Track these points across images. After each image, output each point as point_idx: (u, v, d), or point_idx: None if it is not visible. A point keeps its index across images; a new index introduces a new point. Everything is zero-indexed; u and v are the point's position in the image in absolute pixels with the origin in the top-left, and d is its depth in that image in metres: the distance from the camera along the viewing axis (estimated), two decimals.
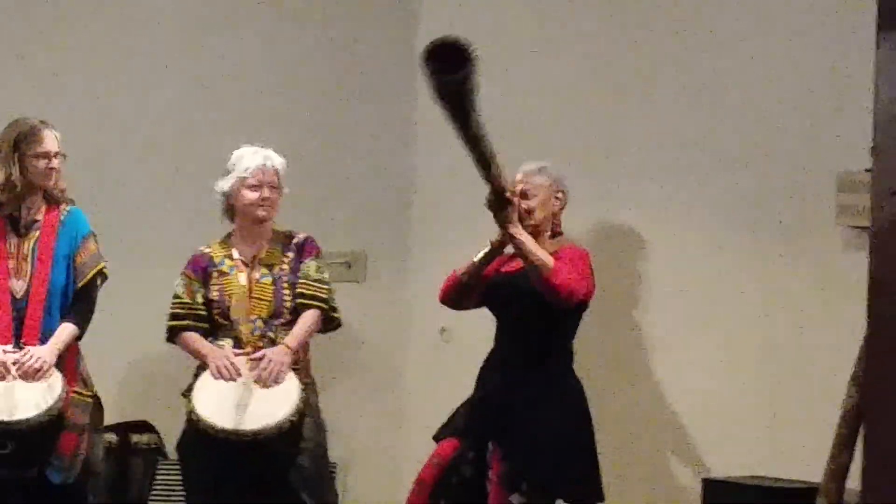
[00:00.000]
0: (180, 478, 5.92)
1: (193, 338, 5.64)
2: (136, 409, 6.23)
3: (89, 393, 5.57)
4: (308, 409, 5.53)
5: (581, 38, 6.59)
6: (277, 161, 5.68)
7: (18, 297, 5.48)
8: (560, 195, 5.28)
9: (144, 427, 6.22)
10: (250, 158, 5.66)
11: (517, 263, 5.18)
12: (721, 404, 6.07)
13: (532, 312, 5.03)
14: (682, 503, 6.08)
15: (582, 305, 5.11)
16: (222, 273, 5.68)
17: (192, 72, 6.82)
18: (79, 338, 5.53)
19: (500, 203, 4.87)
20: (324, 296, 5.66)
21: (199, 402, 5.45)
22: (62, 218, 5.58)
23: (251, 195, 5.63)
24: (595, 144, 6.50)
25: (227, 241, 5.75)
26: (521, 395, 5.05)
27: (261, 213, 5.64)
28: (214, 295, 5.66)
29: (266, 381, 5.45)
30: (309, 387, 5.60)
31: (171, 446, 6.07)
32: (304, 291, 5.63)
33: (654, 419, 6.27)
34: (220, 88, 6.82)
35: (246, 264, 5.68)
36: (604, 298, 5.92)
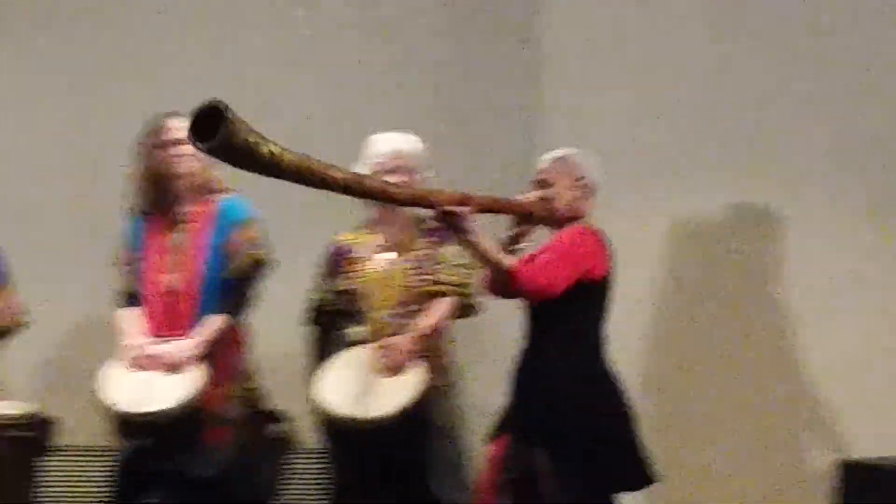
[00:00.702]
0: (312, 467, 5.98)
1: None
2: (267, 399, 6.27)
3: (245, 386, 5.60)
4: (440, 396, 5.52)
5: (715, 12, 6.55)
6: (408, 146, 5.66)
7: (172, 290, 5.52)
8: (582, 183, 5.02)
9: (276, 416, 6.25)
10: (381, 144, 5.66)
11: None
12: (856, 384, 5.99)
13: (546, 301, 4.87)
14: (817, 484, 6.01)
15: (589, 289, 4.89)
16: (358, 260, 5.70)
17: (316, 60, 6.86)
18: (234, 327, 5.54)
19: (442, 218, 4.71)
20: (461, 281, 5.62)
21: (320, 389, 5.49)
22: (216, 208, 5.60)
23: None
24: (735, 121, 6.46)
25: (364, 228, 5.75)
26: (544, 387, 4.92)
27: None
28: (348, 282, 5.68)
29: (389, 370, 5.45)
30: (443, 374, 5.59)
31: (302, 435, 6.12)
32: (441, 277, 5.61)
33: (790, 399, 6.18)
34: (346, 75, 6.84)
35: (383, 250, 5.69)
36: (742, 276, 5.86)
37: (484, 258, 4.75)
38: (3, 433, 5.30)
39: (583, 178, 5.00)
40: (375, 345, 5.52)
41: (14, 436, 5.32)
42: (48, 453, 5.51)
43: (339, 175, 4.35)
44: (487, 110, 6.84)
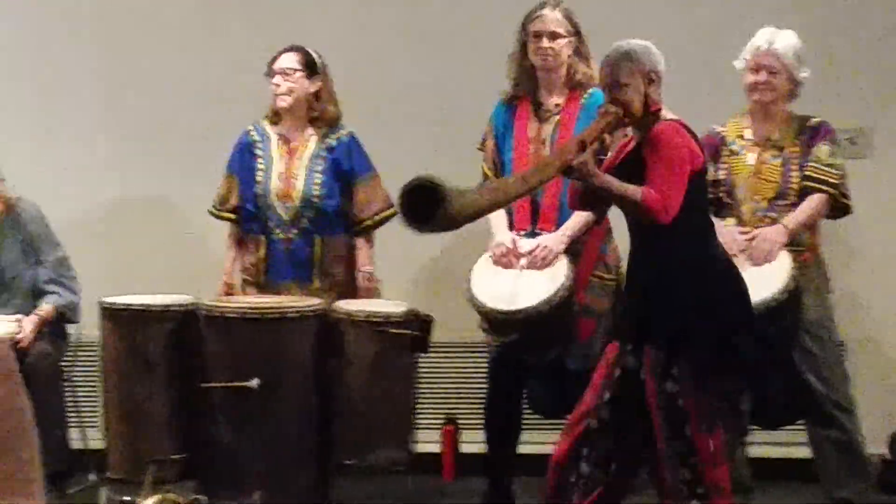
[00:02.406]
0: None
1: None
2: None
3: (612, 277, 5.58)
4: (811, 291, 5.49)
5: None
6: (781, 44, 5.56)
7: None
8: (652, 76, 4.68)
9: None
10: (756, 38, 5.61)
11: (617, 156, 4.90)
12: None
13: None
14: None
15: (692, 182, 4.64)
16: (732, 153, 5.66)
17: None
18: (597, 222, 5.47)
19: (568, 173, 4.60)
20: (833, 181, 5.56)
21: None
22: (582, 101, 5.56)
23: (749, 78, 5.60)
24: None
25: (740, 121, 5.71)
26: (648, 280, 4.76)
27: (755, 96, 5.60)
28: (721, 174, 5.65)
29: (757, 260, 5.41)
30: (812, 268, 5.57)
31: None
32: (813, 174, 5.55)
33: None
34: None
35: (757, 145, 5.63)
36: None
37: (617, 196, 4.64)
38: (386, 331, 5.39)
39: (652, 70, 4.71)
40: (746, 235, 5.51)
41: (397, 333, 5.39)
42: (428, 350, 5.57)
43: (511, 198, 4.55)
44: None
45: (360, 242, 5.90)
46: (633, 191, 4.58)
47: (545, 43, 5.53)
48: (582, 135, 4.60)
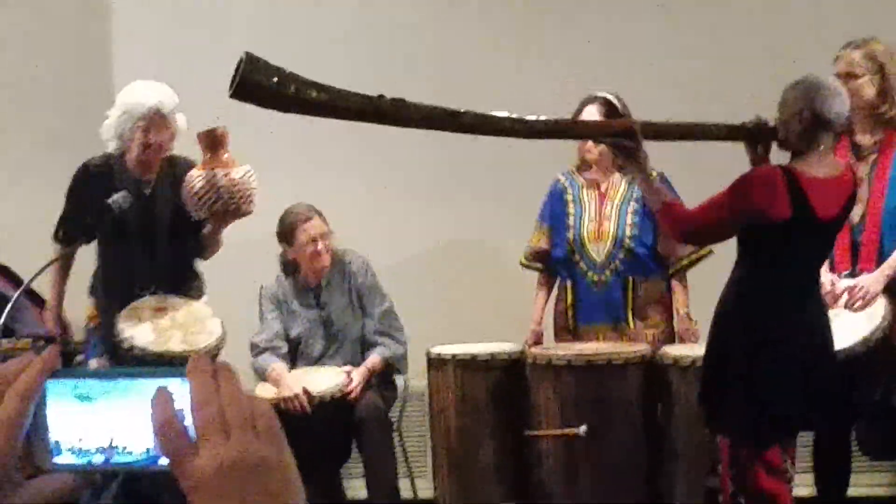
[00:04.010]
0: None
1: None
2: None
3: None
4: None
5: None
6: None
7: (856, 221, 5.40)
8: (804, 114, 4.55)
9: None
10: None
11: None
12: None
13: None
14: None
15: (765, 233, 4.56)
16: None
17: None
18: None
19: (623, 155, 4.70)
20: None
21: None
22: None
23: None
24: None
25: None
26: (715, 322, 4.84)
27: None
28: None
29: None
30: None
31: None
32: None
33: None
34: None
35: None
36: None
37: (649, 191, 4.73)
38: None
39: (806, 108, 4.58)
40: None
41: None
42: None
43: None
44: None
45: (675, 284, 5.88)
46: (665, 196, 4.72)
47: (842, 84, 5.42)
48: (648, 122, 4.61)
